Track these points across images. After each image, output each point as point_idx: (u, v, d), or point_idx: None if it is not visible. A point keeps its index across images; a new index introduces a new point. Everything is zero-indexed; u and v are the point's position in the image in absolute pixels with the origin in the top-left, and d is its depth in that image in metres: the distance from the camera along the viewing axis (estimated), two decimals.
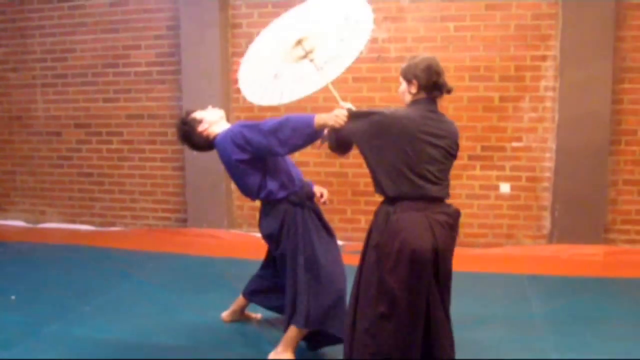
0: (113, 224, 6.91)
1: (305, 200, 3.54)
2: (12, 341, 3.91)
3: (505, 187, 5.73)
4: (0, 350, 3.77)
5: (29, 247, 6.31)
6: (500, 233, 5.80)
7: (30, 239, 6.60)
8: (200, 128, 3.55)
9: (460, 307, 4.35)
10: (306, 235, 3.44)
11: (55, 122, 6.96)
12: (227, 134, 3.42)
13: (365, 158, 2.91)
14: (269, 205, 3.50)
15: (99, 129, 6.81)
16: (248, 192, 3.51)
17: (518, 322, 4.08)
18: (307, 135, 3.17)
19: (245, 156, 3.33)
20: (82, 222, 7.03)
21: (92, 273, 5.28)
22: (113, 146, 6.79)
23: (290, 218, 3.44)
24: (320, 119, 3.08)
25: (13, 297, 4.72)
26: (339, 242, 5.96)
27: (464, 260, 5.46)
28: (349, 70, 5.84)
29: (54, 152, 7.02)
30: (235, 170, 3.44)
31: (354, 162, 6.01)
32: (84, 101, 6.80)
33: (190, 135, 3.59)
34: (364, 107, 3.15)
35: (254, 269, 4.00)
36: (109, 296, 4.68)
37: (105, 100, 6.72)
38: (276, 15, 5.97)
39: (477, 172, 5.77)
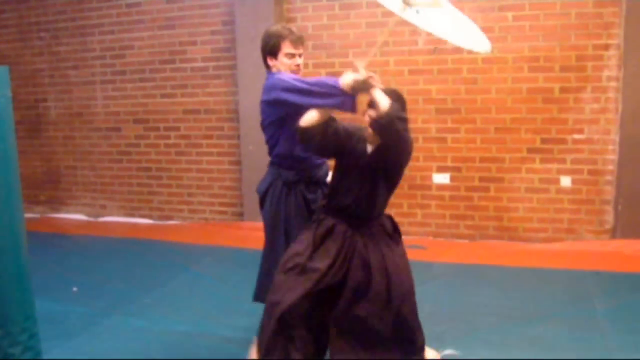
0: (171, 218, 7.03)
1: (302, 182, 3.41)
2: (74, 332, 4.03)
3: (566, 181, 5.57)
4: (63, 340, 3.88)
5: (90, 240, 6.48)
6: (561, 228, 5.64)
7: (91, 232, 6.78)
8: None
9: (520, 304, 4.31)
10: (286, 218, 3.39)
11: (114, 118, 7.10)
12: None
13: (399, 177, 3.10)
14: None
15: (156, 124, 6.92)
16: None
17: (579, 320, 3.96)
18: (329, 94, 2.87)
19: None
20: (141, 216, 7.17)
21: (150, 266, 5.38)
22: (171, 141, 6.89)
23: (276, 193, 3.41)
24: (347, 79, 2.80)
25: (75, 289, 4.85)
26: None
27: (523, 255, 5.39)
28: (404, 62, 5.84)
29: (113, 147, 7.18)
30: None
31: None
32: (142, 97, 6.92)
33: None
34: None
35: None
36: (167, 289, 4.76)
37: (163, 95, 6.83)
38: (330, 8, 6.03)
39: (537, 165, 5.63)
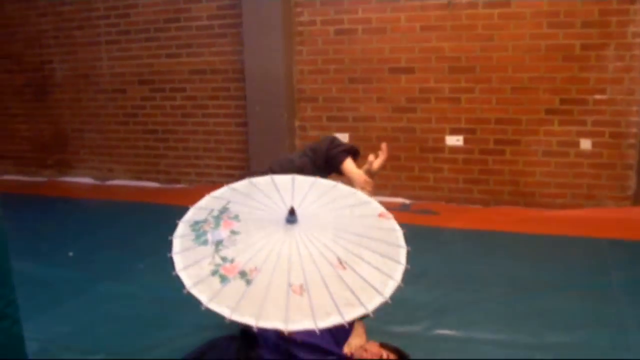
0: (178, 181, 6.88)
1: None
2: (63, 298, 3.92)
3: (586, 144, 5.27)
4: (50, 306, 3.79)
5: (95, 204, 6.37)
6: (580, 193, 5.36)
7: (97, 196, 6.66)
8: None
9: (532, 273, 4.07)
10: None
11: (120, 80, 6.93)
12: None
13: None
14: None
15: (162, 85, 6.73)
16: None
17: (594, 292, 3.71)
18: None
19: None
20: (148, 179, 7.04)
21: (152, 231, 5.15)
22: (177, 102, 6.71)
23: None
24: None
25: (70, 254, 4.74)
26: (406, 200, 5.79)
27: (540, 221, 5.14)
28: (416, 18, 5.54)
29: (119, 109, 7.02)
30: None
31: (422, 117, 5.71)
32: (147, 57, 6.72)
33: None
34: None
35: None
36: (163, 255, 4.59)
37: (168, 55, 6.62)
38: None
39: (555, 127, 5.33)
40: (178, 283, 3.81)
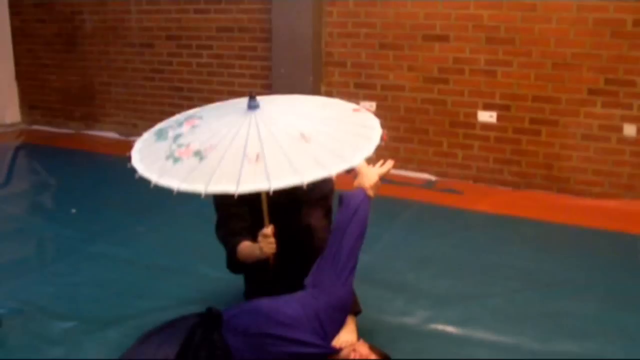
0: None
1: None
2: (55, 257, 3.86)
3: (630, 130, 4.82)
4: (40, 265, 3.72)
5: (113, 160, 6.20)
6: (619, 183, 4.92)
7: (117, 151, 6.47)
8: None
9: (553, 268, 3.71)
10: None
11: (147, 34, 6.73)
12: None
13: None
14: None
15: (189, 41, 6.50)
16: None
17: (618, 296, 3.34)
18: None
19: None
20: None
21: (164, 192, 5.03)
22: (203, 60, 6.48)
23: None
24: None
25: (74, 210, 4.63)
26: (432, 177, 5.46)
27: (571, 210, 4.76)
28: None
29: (146, 64, 6.84)
30: None
31: (454, 89, 5.34)
32: (175, 12, 6.49)
33: None
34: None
35: None
36: (166, 216, 4.43)
37: (196, 11, 6.37)
38: None
39: (598, 109, 4.89)
40: (174, 249, 3.67)
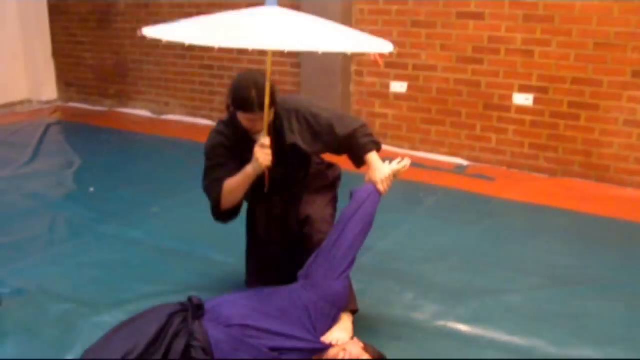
0: None
1: None
2: (65, 237, 3.85)
3: None
4: (50, 245, 3.70)
5: (142, 138, 6.21)
6: None
7: (148, 130, 6.48)
8: None
9: (581, 265, 3.45)
10: None
11: (178, 11, 6.61)
12: None
13: None
14: None
15: None
16: None
17: None
18: None
19: None
20: (202, 117, 6.78)
21: (184, 172, 4.93)
22: None
23: None
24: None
25: (92, 189, 4.58)
26: (463, 162, 5.23)
27: (609, 201, 4.48)
28: None
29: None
30: None
31: (489, 70, 5.08)
32: None
33: None
34: None
35: None
36: (184, 198, 4.33)
37: None
38: None
39: None
40: (185, 234, 3.56)
